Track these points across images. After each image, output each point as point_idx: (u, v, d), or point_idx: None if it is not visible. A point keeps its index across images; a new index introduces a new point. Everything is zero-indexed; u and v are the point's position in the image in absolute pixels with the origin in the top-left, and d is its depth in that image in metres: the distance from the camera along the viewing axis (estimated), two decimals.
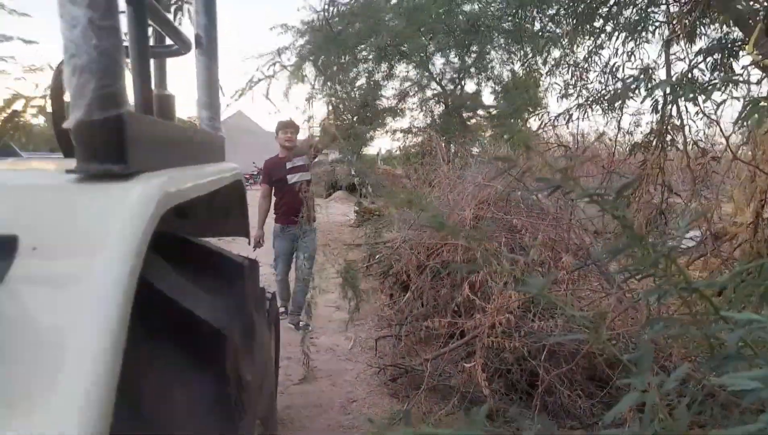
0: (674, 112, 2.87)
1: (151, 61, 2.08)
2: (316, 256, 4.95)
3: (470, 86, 16.30)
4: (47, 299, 0.66)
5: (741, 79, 1.89)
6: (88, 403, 0.60)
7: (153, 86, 2.11)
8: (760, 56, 2.43)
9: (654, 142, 3.07)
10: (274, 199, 4.79)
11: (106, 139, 0.80)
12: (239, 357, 1.10)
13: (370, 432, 3.05)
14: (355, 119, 15.46)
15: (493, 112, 12.30)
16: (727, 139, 2.10)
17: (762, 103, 1.79)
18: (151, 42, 2.12)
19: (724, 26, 3.29)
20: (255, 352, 1.33)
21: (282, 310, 4.94)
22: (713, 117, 2.50)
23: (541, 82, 7.96)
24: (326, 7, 3.67)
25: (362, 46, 8.84)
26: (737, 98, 1.89)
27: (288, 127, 4.75)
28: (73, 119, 0.78)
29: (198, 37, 1.69)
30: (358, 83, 14.36)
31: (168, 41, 1.89)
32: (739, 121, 1.72)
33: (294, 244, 4.74)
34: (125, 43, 1.24)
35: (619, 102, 3.40)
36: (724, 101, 1.87)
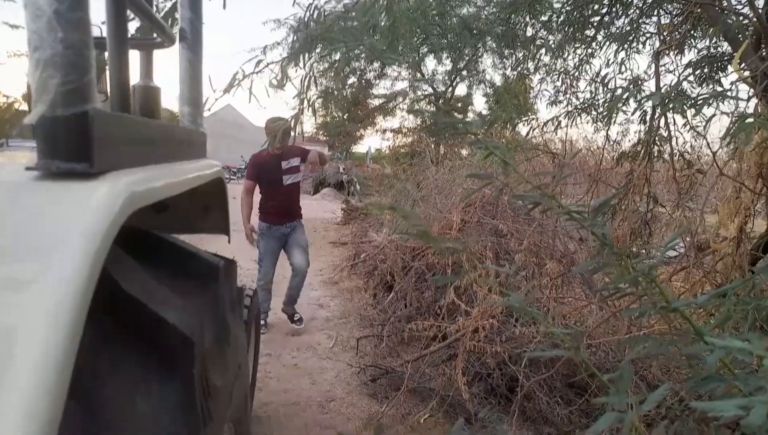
0: (662, 124, 2.88)
1: (137, 53, 2.04)
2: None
3: (462, 89, 16.34)
4: None
5: (731, 94, 1.89)
6: (32, 412, 0.57)
7: (139, 78, 2.07)
8: (747, 72, 2.44)
9: (641, 153, 3.08)
10: (258, 196, 4.54)
11: (70, 137, 0.76)
12: (208, 362, 1.07)
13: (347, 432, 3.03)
14: (345, 117, 15.46)
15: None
16: (714, 154, 2.10)
17: (749, 120, 1.79)
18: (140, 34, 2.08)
19: (714, 40, 3.31)
20: (227, 356, 1.30)
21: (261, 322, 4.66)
22: (700, 131, 2.51)
23: (531, 88, 7.98)
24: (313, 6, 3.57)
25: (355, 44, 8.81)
26: (726, 113, 1.89)
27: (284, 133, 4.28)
28: (35, 114, 0.74)
29: (182, 31, 1.65)
30: (349, 81, 14.34)
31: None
32: (727, 137, 1.72)
33: (281, 244, 4.53)
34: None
35: (606, 114, 3.41)
36: (713, 115, 1.88)
